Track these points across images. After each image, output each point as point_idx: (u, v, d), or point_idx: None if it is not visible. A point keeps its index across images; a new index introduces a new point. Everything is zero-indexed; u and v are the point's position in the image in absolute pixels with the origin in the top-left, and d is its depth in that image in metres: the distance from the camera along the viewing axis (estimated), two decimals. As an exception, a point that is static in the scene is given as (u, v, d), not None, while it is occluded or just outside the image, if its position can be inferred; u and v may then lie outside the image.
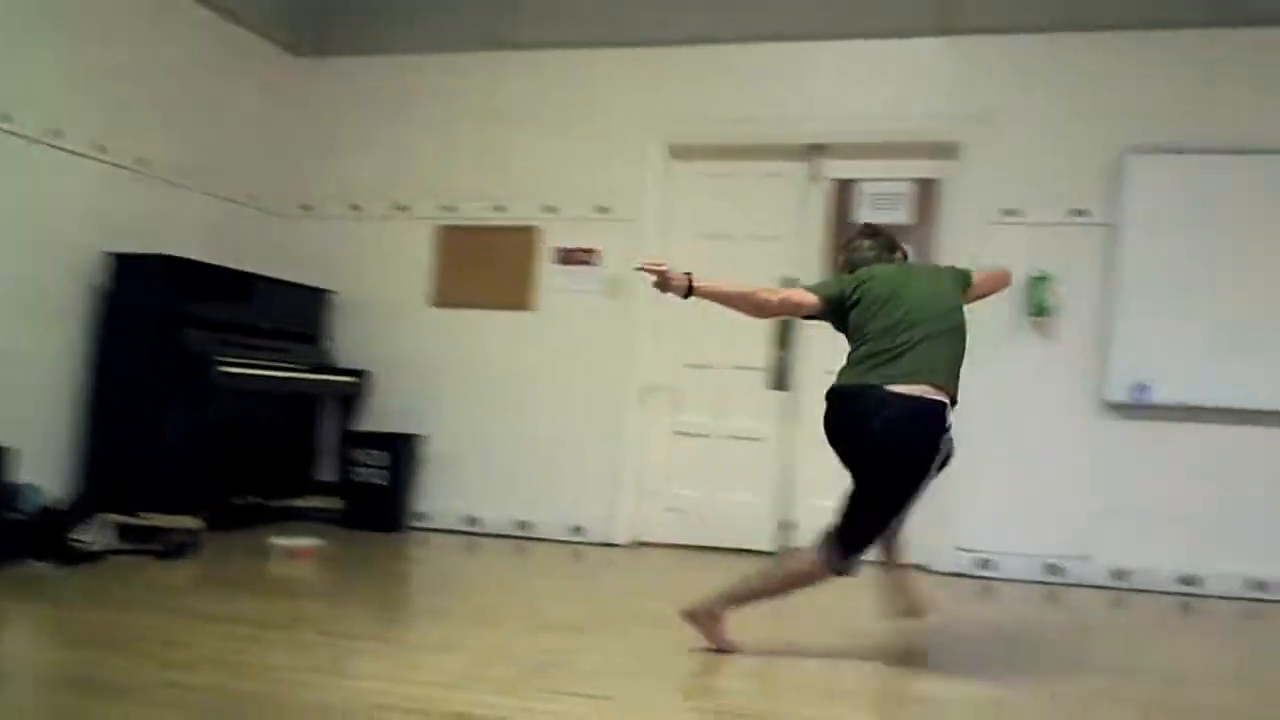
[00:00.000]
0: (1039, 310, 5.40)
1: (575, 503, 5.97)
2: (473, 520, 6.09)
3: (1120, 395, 5.30)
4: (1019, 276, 5.45)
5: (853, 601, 4.06)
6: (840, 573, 3.31)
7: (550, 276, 6.12)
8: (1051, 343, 5.45)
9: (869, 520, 3.31)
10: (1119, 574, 5.31)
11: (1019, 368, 5.47)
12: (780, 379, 5.89)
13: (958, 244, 5.57)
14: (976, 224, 5.55)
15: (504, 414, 6.10)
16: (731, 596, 3.45)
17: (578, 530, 5.96)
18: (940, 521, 5.55)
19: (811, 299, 3.51)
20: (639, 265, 3.52)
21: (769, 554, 5.75)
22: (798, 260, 5.88)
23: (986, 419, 5.40)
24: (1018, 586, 5.26)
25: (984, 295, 3.76)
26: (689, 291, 3.43)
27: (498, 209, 6.20)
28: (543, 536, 5.96)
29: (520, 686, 2.90)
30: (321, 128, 6.53)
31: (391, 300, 6.31)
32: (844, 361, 3.42)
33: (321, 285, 6.29)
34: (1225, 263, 5.24)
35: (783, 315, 3.88)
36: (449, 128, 6.32)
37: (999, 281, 3.91)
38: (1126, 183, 5.33)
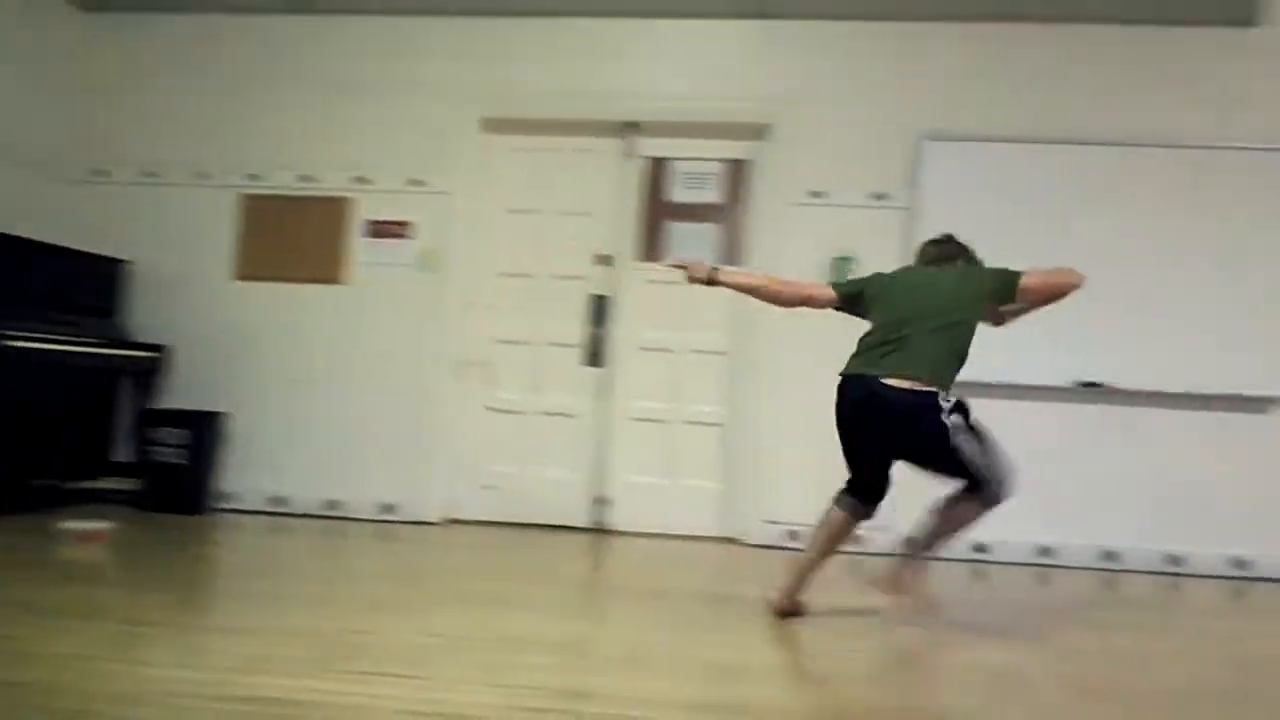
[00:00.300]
0: (842, 289, 5.58)
1: (386, 481, 5.87)
2: (279, 500, 5.92)
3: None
4: (822, 258, 5.65)
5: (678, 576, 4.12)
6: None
7: (361, 249, 5.98)
8: (856, 321, 5.63)
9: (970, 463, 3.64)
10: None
11: (822, 347, 5.64)
12: (595, 355, 5.92)
13: (766, 224, 5.72)
14: (784, 205, 5.70)
15: (312, 390, 5.94)
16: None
17: (389, 509, 5.86)
18: (748, 495, 5.72)
19: (829, 294, 3.97)
20: (668, 263, 4.06)
21: (583, 530, 5.80)
22: (610, 237, 5.92)
23: (795, 396, 5.58)
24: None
25: (1041, 297, 3.78)
26: (710, 281, 3.91)
27: (305, 179, 6.01)
28: (353, 516, 5.85)
29: (321, 668, 2.84)
30: (114, 89, 6.18)
31: (193, 272, 6.05)
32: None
33: (116, 255, 5.98)
34: (1019, 246, 5.50)
35: (798, 306, 4.05)
36: (254, 93, 6.09)
37: (1054, 283, 3.76)
38: (924, 168, 5.57)
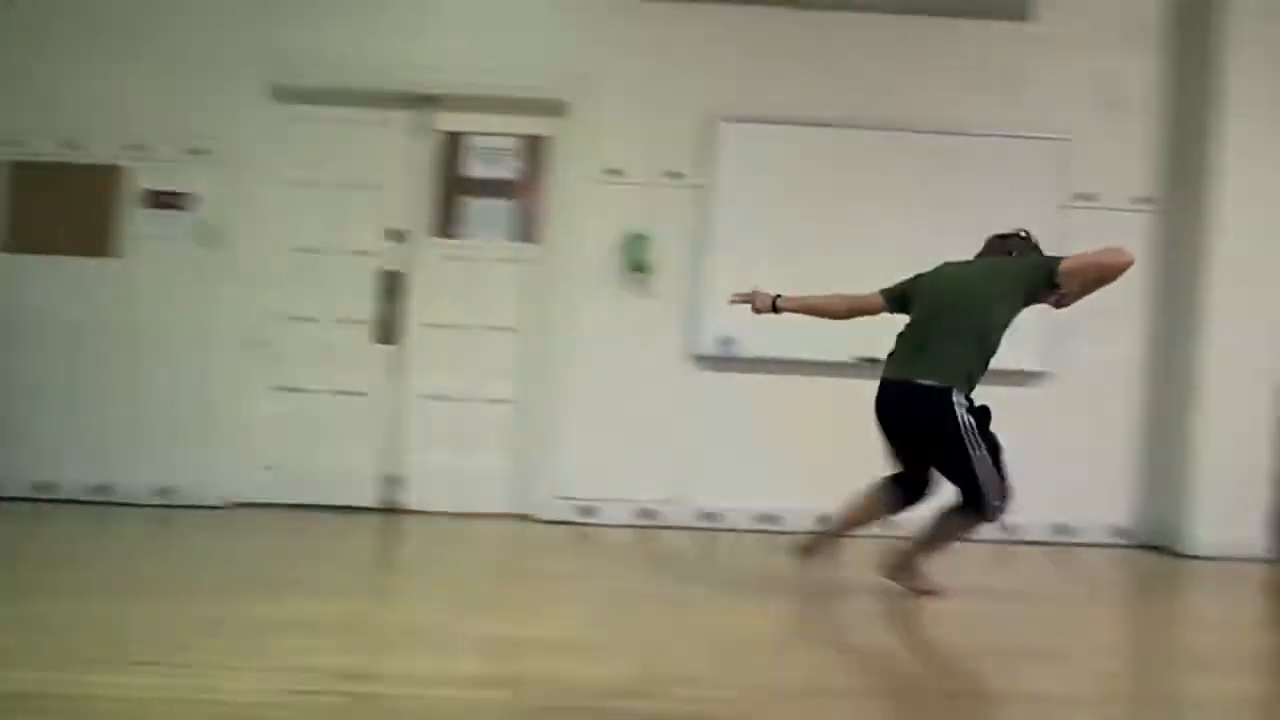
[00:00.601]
0: (636, 267, 5.62)
1: (165, 464, 5.58)
2: (44, 486, 5.55)
3: (709, 348, 5.64)
4: (616, 235, 5.67)
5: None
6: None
7: (136, 221, 5.66)
8: (648, 299, 5.69)
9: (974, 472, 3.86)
10: (709, 515, 5.68)
11: (617, 322, 5.68)
12: (387, 332, 5.78)
13: (563, 201, 5.71)
14: (581, 182, 5.69)
15: (82, 369, 5.58)
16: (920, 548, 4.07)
17: (167, 493, 5.58)
18: (540, 472, 5.70)
19: (878, 301, 4.23)
20: (732, 300, 4.50)
21: (374, 511, 5.67)
22: (401, 211, 5.79)
23: (586, 372, 5.61)
24: (616, 531, 5.49)
25: (1086, 278, 3.83)
26: (774, 309, 4.35)
27: (71, 145, 5.64)
28: (127, 501, 5.53)
29: (75, 660, 2.68)
30: None
31: (-53, 243, 5.60)
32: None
33: None
34: (808, 226, 5.68)
35: (854, 317, 4.38)
36: (17, 54, 5.67)
37: (1095, 263, 3.79)
38: (718, 148, 5.65)
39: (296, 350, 5.77)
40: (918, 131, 5.67)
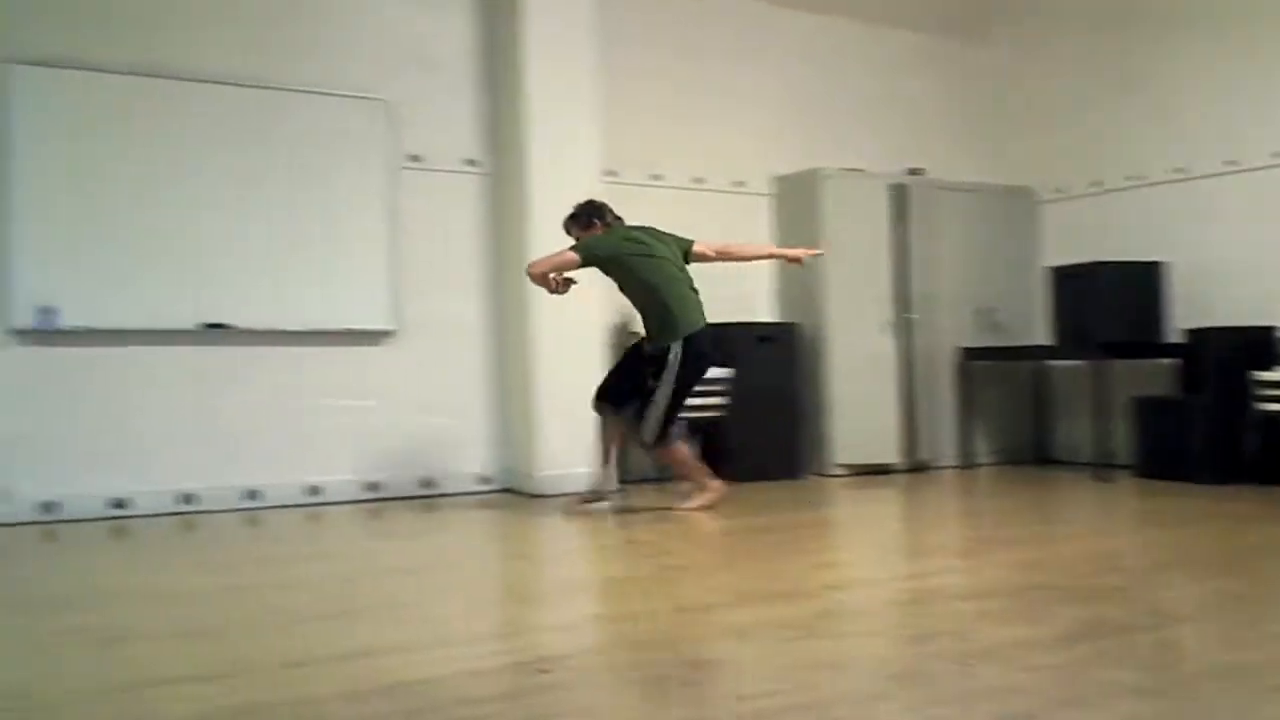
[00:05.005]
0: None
1: None
2: None
3: (27, 320, 5.02)
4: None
5: None
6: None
7: None
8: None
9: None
10: (48, 507, 5.08)
11: None
12: None
13: None
14: None
15: None
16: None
17: None
18: None
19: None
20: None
21: None
22: None
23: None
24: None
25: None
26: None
27: None
28: None
29: None
30: None
31: None
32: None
33: None
34: (134, 183, 5.23)
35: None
36: None
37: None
38: (13, 93, 4.99)
39: None
40: (233, 85, 5.42)
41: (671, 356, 4.75)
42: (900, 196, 6.80)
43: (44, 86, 5.05)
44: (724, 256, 5.18)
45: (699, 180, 6.62)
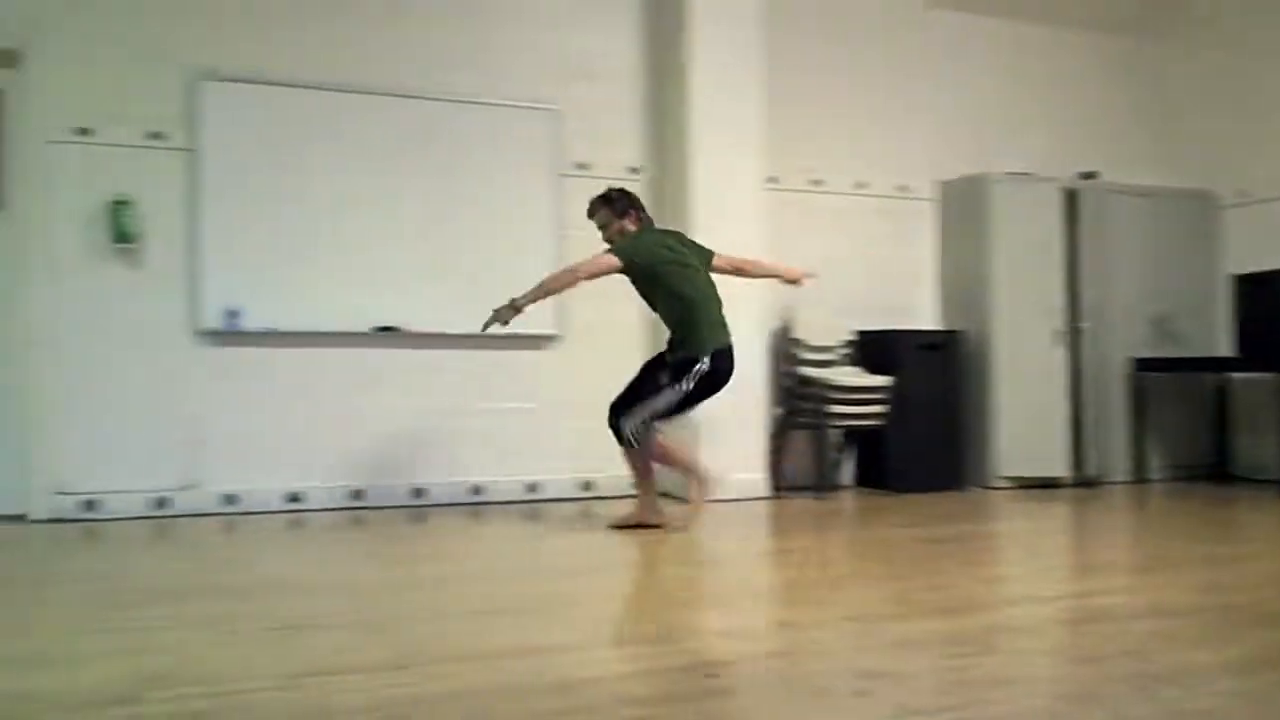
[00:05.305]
0: (122, 237, 5.13)
1: None
2: None
3: (214, 322, 5.28)
4: (96, 202, 5.13)
5: None
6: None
7: None
8: (138, 271, 5.21)
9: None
10: (230, 499, 5.34)
11: (106, 298, 5.17)
12: None
13: (27, 162, 5.08)
14: (43, 142, 5.07)
15: None
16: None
17: None
18: (34, 466, 5.09)
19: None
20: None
21: None
22: None
23: (76, 354, 5.09)
24: (125, 525, 5.01)
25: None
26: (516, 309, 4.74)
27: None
28: None
29: None
30: None
31: None
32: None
33: None
34: (303, 193, 5.44)
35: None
36: None
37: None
38: (206, 109, 5.27)
39: None
40: (405, 97, 5.60)
41: (698, 367, 4.62)
42: (1072, 201, 6.57)
43: (232, 101, 5.31)
44: (739, 273, 4.97)
45: (861, 185, 6.53)
